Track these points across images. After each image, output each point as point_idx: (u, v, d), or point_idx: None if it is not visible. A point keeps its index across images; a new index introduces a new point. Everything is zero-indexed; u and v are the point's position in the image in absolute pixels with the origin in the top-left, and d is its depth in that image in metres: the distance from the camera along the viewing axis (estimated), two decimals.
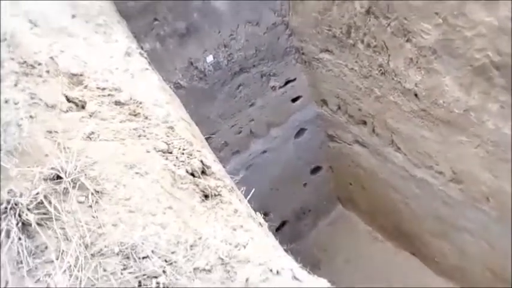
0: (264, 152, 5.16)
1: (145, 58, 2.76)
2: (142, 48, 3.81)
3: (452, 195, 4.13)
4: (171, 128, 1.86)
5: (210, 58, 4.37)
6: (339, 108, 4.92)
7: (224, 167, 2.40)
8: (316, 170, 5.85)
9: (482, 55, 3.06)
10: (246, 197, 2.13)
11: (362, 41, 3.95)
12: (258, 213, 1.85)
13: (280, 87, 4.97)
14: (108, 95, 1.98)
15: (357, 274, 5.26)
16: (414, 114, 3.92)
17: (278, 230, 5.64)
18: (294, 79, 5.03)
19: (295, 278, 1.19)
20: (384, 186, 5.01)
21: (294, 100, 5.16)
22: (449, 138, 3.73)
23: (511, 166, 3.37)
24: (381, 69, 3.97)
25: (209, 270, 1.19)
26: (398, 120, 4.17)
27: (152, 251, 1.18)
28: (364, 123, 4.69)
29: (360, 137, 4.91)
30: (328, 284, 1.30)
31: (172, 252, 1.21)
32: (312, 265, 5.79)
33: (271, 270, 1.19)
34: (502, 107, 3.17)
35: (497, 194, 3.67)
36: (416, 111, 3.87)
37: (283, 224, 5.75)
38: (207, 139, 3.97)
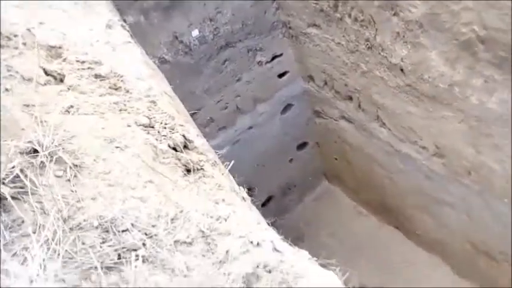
0: (250, 127, 5.15)
1: (128, 31, 2.69)
2: (125, 21, 3.72)
3: (435, 170, 4.19)
4: (153, 102, 1.82)
5: (195, 32, 4.28)
6: (326, 83, 4.90)
7: (210, 143, 2.39)
8: (302, 145, 5.86)
9: (468, 29, 3.05)
10: (229, 171, 2.13)
11: (349, 15, 3.90)
12: (241, 187, 1.85)
13: (267, 62, 4.92)
14: (88, 68, 1.93)
15: (342, 247, 5.36)
16: (400, 90, 3.92)
17: (264, 205, 5.69)
18: (281, 54, 4.98)
19: (275, 249, 1.20)
20: (369, 162, 5.05)
21: (281, 75, 5.11)
22: (434, 113, 3.76)
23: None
24: (367, 44, 3.94)
25: (190, 243, 1.19)
26: (384, 96, 4.17)
27: (132, 224, 1.18)
28: (350, 98, 4.68)
29: (346, 112, 4.92)
30: (309, 256, 1.31)
31: (153, 226, 1.21)
32: (296, 238, 5.87)
33: (251, 242, 1.20)
34: (486, 82, 3.18)
35: (479, 168, 3.73)
36: (401, 87, 3.87)
37: (269, 199, 5.80)
38: (192, 115, 3.94)
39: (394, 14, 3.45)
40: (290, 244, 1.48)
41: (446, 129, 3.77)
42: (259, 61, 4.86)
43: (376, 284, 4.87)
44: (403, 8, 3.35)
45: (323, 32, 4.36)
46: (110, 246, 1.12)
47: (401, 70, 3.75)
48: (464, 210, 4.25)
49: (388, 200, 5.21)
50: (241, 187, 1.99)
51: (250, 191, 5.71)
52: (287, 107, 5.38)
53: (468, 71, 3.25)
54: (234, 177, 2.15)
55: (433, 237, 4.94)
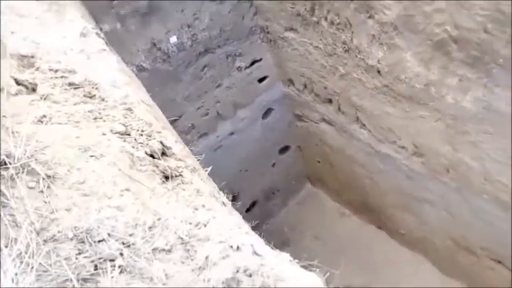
0: (232, 133, 5.13)
1: (103, 39, 2.66)
2: (101, 29, 3.68)
3: (415, 169, 4.25)
4: (130, 109, 1.80)
5: (173, 39, 4.26)
6: (305, 87, 4.93)
7: (192, 150, 2.36)
8: (284, 149, 5.88)
9: (441, 30, 3.11)
10: (212, 178, 2.11)
11: (326, 18, 3.94)
12: (221, 192, 1.83)
13: (246, 67, 4.92)
14: (62, 76, 1.89)
15: (326, 249, 5.38)
16: (377, 91, 3.97)
17: (248, 210, 5.67)
18: (260, 59, 4.99)
19: (255, 253, 1.19)
20: (350, 163, 5.09)
21: (261, 80, 5.12)
22: (411, 113, 3.81)
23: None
24: (344, 47, 3.98)
25: (169, 250, 1.17)
26: (362, 97, 4.22)
27: (108, 234, 1.15)
28: (330, 101, 4.72)
29: (326, 115, 4.95)
30: (290, 258, 1.30)
31: (130, 235, 1.18)
32: (282, 243, 5.89)
33: (231, 247, 1.19)
34: (460, 81, 3.25)
35: (457, 165, 3.80)
36: (379, 88, 3.93)
37: (253, 204, 5.79)
38: (173, 122, 3.90)
39: (369, 17, 3.50)
40: (272, 247, 1.47)
41: (423, 129, 3.83)
42: (239, 66, 4.86)
43: (360, 284, 4.90)
44: (377, 10, 3.40)
45: (300, 36, 4.39)
46: (85, 257, 1.09)
47: (378, 72, 3.80)
48: (444, 208, 4.31)
49: (370, 200, 5.26)
50: (221, 192, 1.97)
51: (234, 197, 5.68)
52: (268, 111, 5.39)
53: (442, 70, 3.32)
54: (217, 183, 2.13)
55: (415, 235, 5.00)
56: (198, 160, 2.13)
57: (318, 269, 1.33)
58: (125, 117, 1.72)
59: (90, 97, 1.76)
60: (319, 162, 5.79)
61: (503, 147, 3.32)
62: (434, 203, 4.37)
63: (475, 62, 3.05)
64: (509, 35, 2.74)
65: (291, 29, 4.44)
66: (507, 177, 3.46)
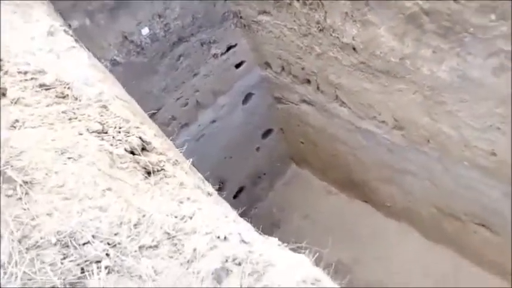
0: (213, 121, 5.09)
1: (72, 36, 2.58)
2: (70, 26, 3.56)
3: (396, 142, 4.30)
4: (105, 107, 1.76)
5: (145, 30, 4.16)
6: (283, 69, 4.91)
7: (174, 141, 2.33)
8: (267, 133, 5.87)
9: (412, 3, 3.11)
10: (197, 168, 2.09)
11: None
12: (205, 182, 1.82)
13: (222, 54, 4.86)
14: (32, 78, 1.83)
15: (316, 227, 5.45)
16: (354, 68, 3.97)
17: (236, 197, 5.68)
18: (235, 44, 4.92)
19: (243, 241, 1.19)
20: (333, 141, 5.13)
21: (238, 66, 5.07)
22: (389, 88, 3.84)
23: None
24: (318, 26, 3.95)
25: (156, 246, 1.16)
26: (340, 76, 4.22)
27: (93, 236, 1.13)
28: (308, 81, 4.71)
29: (305, 95, 4.95)
30: (278, 242, 1.31)
31: (115, 234, 1.17)
32: (272, 225, 5.92)
33: (218, 237, 1.18)
34: (434, 52, 3.27)
35: (436, 135, 3.86)
36: (356, 65, 3.93)
37: (240, 190, 5.80)
38: (152, 115, 3.85)
39: None
40: (260, 233, 1.47)
41: (402, 102, 3.86)
42: (215, 53, 4.80)
43: (349, 259, 4.99)
44: None
45: (274, 19, 4.34)
46: (71, 261, 1.07)
47: (354, 49, 3.80)
48: (426, 177, 4.39)
49: (355, 176, 5.32)
50: (206, 182, 1.96)
51: (220, 184, 5.65)
52: (247, 96, 5.35)
53: (416, 43, 3.33)
54: (202, 173, 2.12)
55: (400, 206, 5.09)
56: (181, 152, 2.11)
57: (307, 250, 1.33)
58: (101, 115, 1.67)
59: (63, 97, 1.71)
60: (302, 142, 5.81)
61: (479, 114, 3.38)
62: (417, 173, 4.44)
63: (447, 32, 3.07)
64: (479, 4, 2.76)
65: (264, 12, 4.39)
66: (484, 142, 3.53)
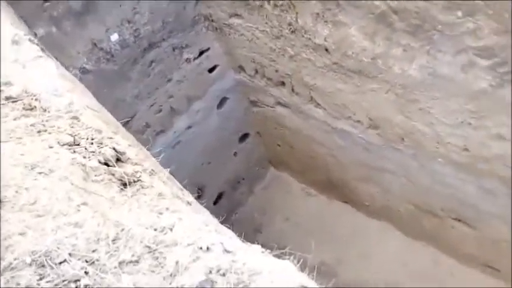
0: (189, 127, 5.05)
1: (37, 45, 2.50)
2: (35, 34, 3.47)
3: (372, 141, 4.37)
4: (76, 117, 1.71)
5: (114, 36, 4.09)
6: (257, 72, 4.91)
7: (149, 149, 2.30)
8: (244, 137, 5.87)
9: (381, 2, 3.17)
10: (174, 175, 2.06)
11: (268, 1, 3.92)
12: (184, 191, 1.80)
13: (195, 58, 4.82)
14: None
15: (297, 230, 5.47)
16: (327, 69, 4.02)
17: (216, 203, 5.65)
18: (208, 48, 4.90)
19: (226, 250, 1.18)
20: (310, 143, 5.17)
21: (211, 70, 5.05)
22: (362, 87, 3.90)
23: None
24: (290, 28, 3.98)
25: (136, 261, 1.13)
26: (314, 77, 4.26)
27: (70, 254, 1.09)
28: (283, 84, 4.74)
29: (280, 98, 4.97)
30: (261, 250, 1.30)
31: (93, 251, 1.13)
32: (254, 230, 5.91)
33: (201, 248, 1.16)
34: (404, 51, 3.34)
35: (410, 133, 3.94)
36: (329, 65, 3.97)
37: (220, 196, 5.76)
38: (126, 123, 3.77)
39: None
40: (242, 240, 1.46)
41: (375, 101, 3.93)
42: (187, 58, 4.76)
43: (332, 259, 5.04)
44: None
45: (246, 21, 4.35)
46: (48, 281, 1.04)
47: (326, 50, 3.84)
48: (403, 175, 4.48)
49: (333, 176, 5.38)
50: (185, 190, 1.93)
51: (199, 191, 5.59)
52: (222, 100, 5.33)
53: (387, 42, 3.40)
54: (179, 181, 2.09)
55: (380, 205, 5.17)
56: (158, 160, 2.08)
57: (291, 256, 1.33)
58: (72, 127, 1.63)
59: (31, 109, 1.66)
60: (279, 145, 5.84)
61: (451, 110, 3.47)
62: (394, 171, 4.52)
63: (416, 30, 3.14)
64: (446, 2, 2.84)
65: (236, 15, 4.39)
66: (457, 138, 3.63)
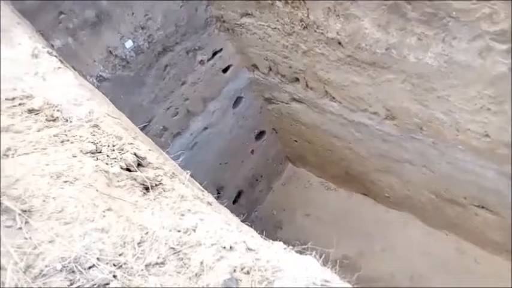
0: (206, 128, 5.09)
1: (56, 56, 2.56)
2: (52, 46, 3.54)
3: (389, 132, 4.32)
4: (96, 126, 1.75)
5: (129, 43, 4.15)
6: (270, 69, 4.92)
7: (167, 151, 2.33)
8: (260, 135, 5.88)
9: None
10: (193, 177, 2.09)
11: None
12: (204, 192, 1.81)
13: (209, 59, 4.86)
14: (20, 104, 1.81)
15: (318, 225, 5.46)
16: (341, 62, 3.99)
17: (235, 202, 5.68)
18: (221, 49, 4.93)
19: (249, 249, 1.19)
20: (327, 137, 5.14)
21: (225, 70, 5.07)
22: (377, 79, 3.86)
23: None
24: (302, 24, 3.97)
25: (162, 263, 1.15)
26: (328, 71, 4.24)
27: (98, 259, 1.12)
28: (297, 80, 4.73)
29: (295, 94, 4.96)
30: (283, 246, 1.31)
31: (120, 255, 1.16)
32: (274, 227, 5.92)
33: (224, 248, 1.18)
34: (419, 39, 3.29)
35: (429, 122, 3.88)
36: (342, 59, 3.95)
37: (239, 194, 5.79)
38: (144, 127, 3.82)
39: None
40: (264, 238, 1.47)
41: (391, 92, 3.88)
42: (201, 60, 4.79)
43: (354, 252, 5.01)
44: None
45: (257, 20, 4.35)
46: (79, 286, 1.07)
47: (339, 43, 3.82)
48: (423, 164, 4.42)
49: (352, 169, 5.34)
50: (205, 191, 1.95)
51: (219, 191, 5.62)
52: (237, 100, 5.35)
53: (401, 32, 3.35)
54: (199, 182, 2.11)
55: (400, 196, 5.12)
56: (177, 163, 2.11)
57: (313, 252, 1.33)
58: (93, 135, 1.67)
59: (53, 120, 1.70)
60: (296, 141, 5.83)
61: (469, 97, 3.40)
62: (414, 161, 4.47)
63: (430, 18, 3.09)
64: None
65: (247, 14, 4.40)
66: (477, 125, 3.57)
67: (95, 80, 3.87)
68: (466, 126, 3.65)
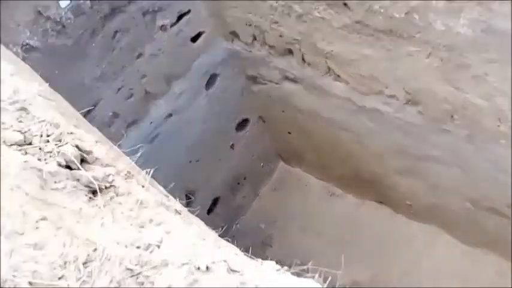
0: (170, 115, 5.08)
1: None
2: None
3: (411, 121, 4.38)
4: (24, 109, 1.74)
5: (65, 2, 4.11)
6: (255, 38, 4.92)
7: (120, 145, 2.32)
8: (242, 124, 5.90)
9: None
10: (154, 178, 2.09)
11: None
12: (170, 196, 1.82)
13: (172, 25, 4.84)
14: None
15: (317, 242, 5.50)
16: (348, 30, 4.03)
17: (210, 211, 5.69)
18: (188, 11, 4.91)
19: (231, 270, 1.20)
20: (330, 127, 5.18)
21: (195, 39, 5.07)
22: (395, 52, 3.90)
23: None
24: None
25: None
26: (330, 41, 4.27)
27: (30, 283, 1.13)
28: (290, 52, 4.75)
29: (288, 71, 4.98)
30: (277, 267, 1.33)
31: (60, 278, 1.16)
32: (262, 244, 5.95)
33: (198, 268, 1.19)
34: (449, 1, 3.34)
35: (462, 108, 3.95)
36: (349, 25, 3.98)
37: (215, 202, 5.81)
38: (88, 113, 3.79)
39: None
40: (250, 257, 1.48)
41: (414, 69, 3.93)
42: (162, 25, 4.78)
43: (369, 277, 5.07)
44: None
45: None
46: None
47: (345, 5, 3.85)
48: (455, 164, 4.49)
49: (363, 170, 5.40)
50: (171, 196, 1.96)
51: (189, 197, 5.62)
52: (212, 78, 5.36)
53: None
54: (162, 185, 2.11)
55: (425, 204, 5.19)
56: (134, 160, 2.10)
57: (316, 274, 1.35)
58: (20, 121, 1.66)
59: None
60: (289, 133, 5.86)
61: None
62: (443, 159, 4.53)
63: None
64: None
65: None
66: None
67: (20, 50, 3.82)
68: (510, 115, 3.72)
